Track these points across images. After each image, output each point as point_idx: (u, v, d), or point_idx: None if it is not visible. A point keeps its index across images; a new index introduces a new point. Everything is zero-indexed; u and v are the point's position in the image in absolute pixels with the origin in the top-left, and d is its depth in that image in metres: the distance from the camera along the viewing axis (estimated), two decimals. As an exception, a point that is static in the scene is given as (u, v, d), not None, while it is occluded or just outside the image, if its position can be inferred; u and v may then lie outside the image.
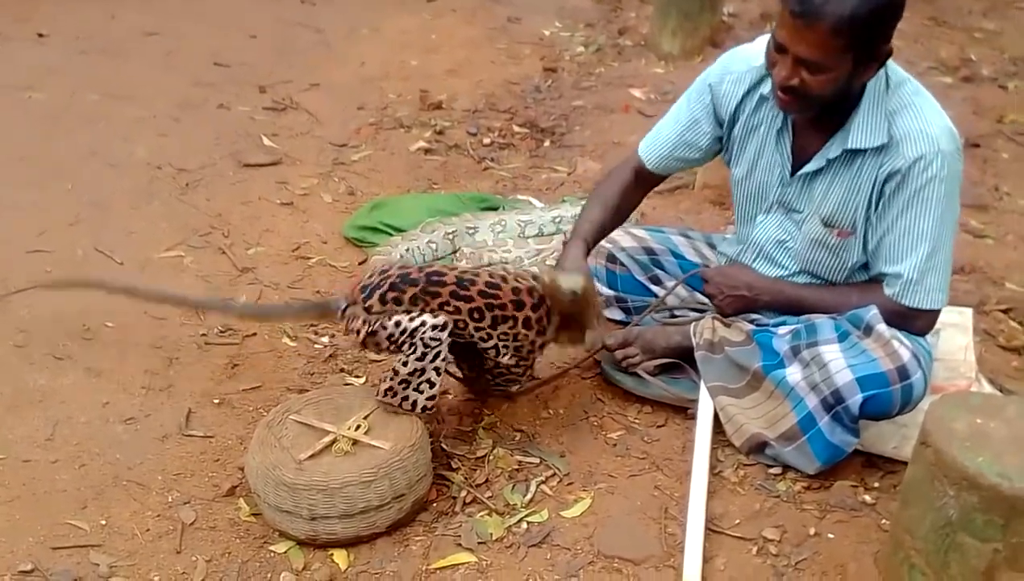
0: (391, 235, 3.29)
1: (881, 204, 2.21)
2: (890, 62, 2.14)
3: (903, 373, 2.14)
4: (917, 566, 1.84)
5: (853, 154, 2.21)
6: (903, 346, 2.17)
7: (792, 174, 2.33)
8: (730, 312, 2.47)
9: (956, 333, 2.56)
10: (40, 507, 2.14)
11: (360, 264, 3.22)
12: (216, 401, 2.53)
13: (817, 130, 2.26)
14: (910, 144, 2.13)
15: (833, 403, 2.16)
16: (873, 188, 2.21)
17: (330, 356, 2.75)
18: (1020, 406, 1.87)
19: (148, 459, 2.31)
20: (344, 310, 2.23)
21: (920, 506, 1.82)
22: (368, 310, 2.17)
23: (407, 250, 3.18)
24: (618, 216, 2.60)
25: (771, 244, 2.44)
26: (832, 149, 2.23)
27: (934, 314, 2.28)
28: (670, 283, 2.68)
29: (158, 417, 2.46)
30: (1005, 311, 3.01)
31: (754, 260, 2.49)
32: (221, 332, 2.81)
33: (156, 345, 2.73)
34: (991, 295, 3.08)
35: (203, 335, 2.79)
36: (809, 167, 2.28)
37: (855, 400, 2.13)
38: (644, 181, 2.62)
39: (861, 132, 2.17)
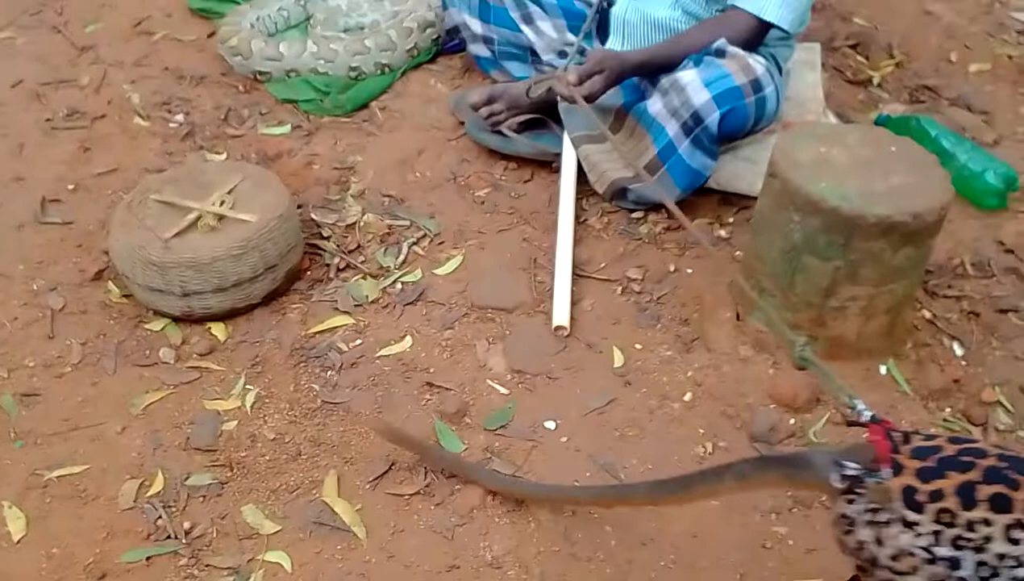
0: (238, 4, 3.12)
1: None
2: None
3: (756, 86, 2.20)
4: (767, 289, 1.98)
5: None
6: (757, 62, 2.23)
7: None
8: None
9: (805, 70, 2.63)
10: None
11: (209, 37, 3.06)
12: (71, 187, 2.45)
13: None
14: None
15: (693, 125, 2.20)
16: None
17: (187, 134, 2.65)
18: (861, 133, 1.98)
19: (6, 249, 2.25)
20: (855, 479, 1.19)
21: (769, 233, 1.93)
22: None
23: (257, 19, 3.02)
24: None
25: None
26: None
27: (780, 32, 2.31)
28: (541, 23, 2.64)
29: (11, 206, 2.38)
30: (852, 47, 3.08)
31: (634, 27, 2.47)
32: (67, 115, 2.68)
33: (-1, 132, 2.60)
34: (840, 31, 3.14)
35: (48, 120, 2.66)
36: None
37: (713, 118, 2.18)
38: None
39: None
